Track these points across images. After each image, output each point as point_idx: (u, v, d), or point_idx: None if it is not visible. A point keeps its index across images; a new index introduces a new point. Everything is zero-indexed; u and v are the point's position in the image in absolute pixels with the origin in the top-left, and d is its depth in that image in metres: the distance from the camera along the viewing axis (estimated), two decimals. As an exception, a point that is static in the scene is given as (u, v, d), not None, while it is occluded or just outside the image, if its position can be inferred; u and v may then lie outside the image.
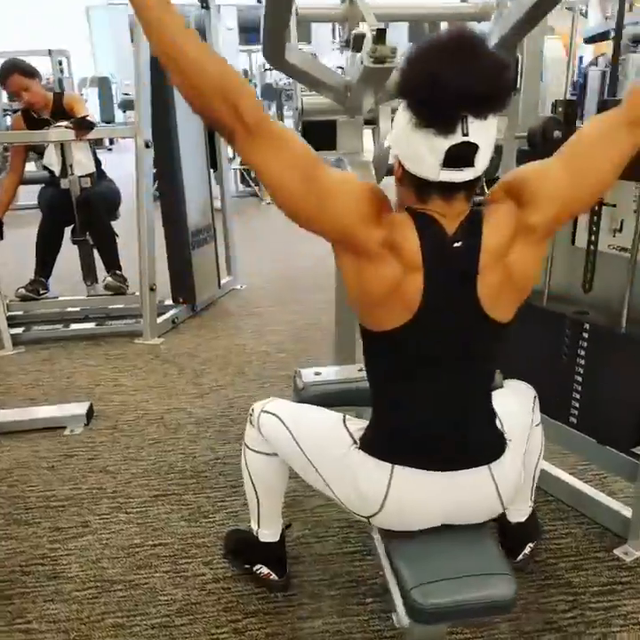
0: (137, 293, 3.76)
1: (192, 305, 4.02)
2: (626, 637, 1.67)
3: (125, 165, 4.95)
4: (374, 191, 1.22)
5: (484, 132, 1.13)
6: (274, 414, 1.63)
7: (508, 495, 1.39)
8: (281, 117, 12.29)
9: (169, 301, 3.99)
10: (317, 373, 1.75)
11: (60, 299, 4.01)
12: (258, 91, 7.92)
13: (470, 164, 1.15)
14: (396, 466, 1.34)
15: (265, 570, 1.84)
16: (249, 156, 1.16)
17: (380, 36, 1.63)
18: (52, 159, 3.72)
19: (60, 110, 3.65)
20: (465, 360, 1.31)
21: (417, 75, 1.11)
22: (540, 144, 1.88)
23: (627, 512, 2.00)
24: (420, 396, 1.33)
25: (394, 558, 1.35)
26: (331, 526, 2.11)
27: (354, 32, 2.03)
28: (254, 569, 1.85)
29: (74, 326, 3.79)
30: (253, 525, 1.82)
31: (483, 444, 1.38)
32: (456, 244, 1.21)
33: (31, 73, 3.61)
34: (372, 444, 1.40)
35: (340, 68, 2.43)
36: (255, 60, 10.15)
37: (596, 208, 2.00)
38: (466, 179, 1.17)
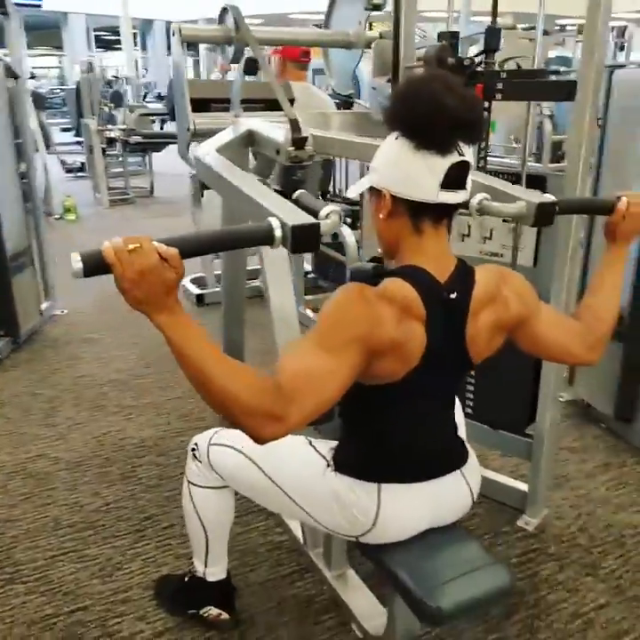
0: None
1: (15, 337, 3.63)
2: (554, 598, 1.88)
3: None
4: (354, 295, 1.20)
5: (470, 157, 1.22)
6: (229, 446, 1.56)
7: (476, 491, 1.49)
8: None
9: (-15, 335, 3.56)
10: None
11: None
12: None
13: (463, 186, 1.23)
14: (382, 484, 1.37)
15: (214, 611, 1.75)
16: (295, 427, 1.10)
17: (302, 143, 1.68)
18: None
19: None
20: (449, 394, 1.43)
21: (418, 102, 1.17)
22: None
23: (521, 486, 2.23)
24: (406, 423, 1.36)
25: (394, 569, 1.37)
26: (258, 551, 2.06)
27: (246, 57, 2.04)
28: (201, 612, 1.76)
29: None
30: (199, 567, 1.72)
31: (455, 452, 1.46)
32: (452, 295, 1.26)
33: None
34: (353, 466, 1.40)
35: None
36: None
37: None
38: (459, 200, 1.23)
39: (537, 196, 1.42)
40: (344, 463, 1.42)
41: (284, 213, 1.18)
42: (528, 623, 1.79)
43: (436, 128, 1.16)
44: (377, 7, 2.28)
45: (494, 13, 2.06)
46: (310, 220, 1.17)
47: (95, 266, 0.98)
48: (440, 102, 1.15)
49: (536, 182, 2.10)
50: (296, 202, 1.34)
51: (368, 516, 1.37)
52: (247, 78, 2.40)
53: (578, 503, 2.30)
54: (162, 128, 8.35)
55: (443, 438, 1.45)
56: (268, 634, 1.76)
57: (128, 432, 2.78)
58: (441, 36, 2.08)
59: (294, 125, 1.71)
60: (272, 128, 1.88)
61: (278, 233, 1.11)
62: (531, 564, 2.00)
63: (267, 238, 1.12)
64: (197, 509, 1.64)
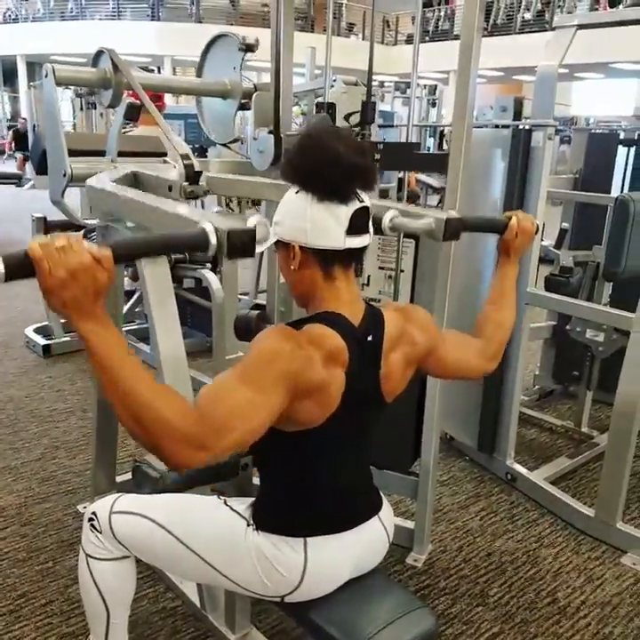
0: None
1: None
2: (452, 632, 1.94)
3: None
4: (281, 337, 1.19)
5: (368, 202, 1.28)
6: (134, 513, 1.46)
7: (391, 534, 1.51)
8: None
9: None
10: (166, 458, 1.59)
11: None
12: None
13: (366, 230, 1.28)
14: (308, 538, 1.34)
15: (115, 694, 1.60)
16: (213, 458, 1.07)
17: (197, 177, 1.66)
18: None
19: None
20: (366, 437, 1.42)
21: (315, 156, 1.23)
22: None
23: (407, 524, 2.30)
24: (328, 473, 1.36)
25: (323, 626, 1.34)
26: (152, 621, 1.92)
27: (128, 102, 1.98)
28: (99, 699, 1.60)
29: None
30: (97, 647, 1.57)
31: (373, 498, 1.48)
32: (369, 338, 1.30)
33: None
34: (276, 522, 1.36)
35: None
36: None
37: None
38: (365, 244, 1.29)
39: (443, 214, 1.49)
40: (265, 520, 1.38)
41: (215, 221, 1.12)
42: (433, 660, 1.83)
43: (335, 179, 1.22)
44: (250, 48, 2.31)
45: (369, 89, 2.19)
46: (244, 224, 1.14)
47: (19, 266, 0.88)
48: (335, 154, 1.20)
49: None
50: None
51: (295, 574, 1.34)
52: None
53: (457, 535, 2.41)
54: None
55: (362, 483, 1.46)
56: None
57: (-8, 505, 2.49)
58: (319, 106, 2.16)
59: (187, 160, 1.69)
60: (157, 168, 1.84)
61: (213, 238, 1.07)
62: (426, 601, 2.04)
63: (201, 244, 1.07)
64: (98, 584, 1.50)
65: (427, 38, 17.23)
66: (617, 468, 2.37)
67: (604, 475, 2.44)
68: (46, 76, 1.87)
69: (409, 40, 18.54)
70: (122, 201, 1.54)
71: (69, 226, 3.74)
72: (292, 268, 1.28)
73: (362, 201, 1.25)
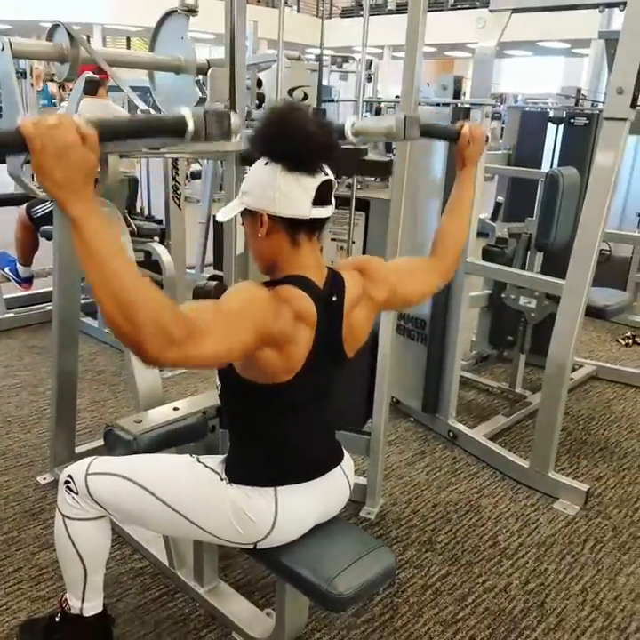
0: None
1: None
2: (405, 576, 2.10)
3: None
4: (258, 287, 1.31)
5: (332, 176, 1.39)
6: (110, 474, 1.53)
7: (352, 483, 1.64)
8: None
9: None
10: (138, 421, 1.66)
11: None
12: None
13: (330, 201, 1.39)
14: (278, 487, 1.46)
15: (93, 646, 1.69)
16: (180, 361, 1.11)
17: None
18: None
19: None
20: (330, 392, 1.54)
21: (288, 131, 1.32)
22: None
23: (361, 480, 2.44)
24: (295, 428, 1.48)
25: (293, 568, 1.47)
26: (121, 581, 2.01)
27: (87, 76, 2.00)
28: (78, 652, 1.68)
29: None
30: (75, 603, 1.65)
31: (335, 450, 1.61)
32: (334, 299, 1.41)
33: None
34: (247, 474, 1.48)
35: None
36: None
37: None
38: (329, 214, 1.39)
39: (401, 113, 1.58)
40: (238, 473, 1.49)
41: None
42: (388, 602, 1.99)
43: (306, 152, 1.32)
44: (191, 10, 2.31)
45: (320, 72, 2.26)
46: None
47: (11, 142, 0.94)
48: (306, 130, 1.31)
49: (362, 205, 2.36)
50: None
51: (266, 522, 1.45)
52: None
53: (406, 489, 2.58)
54: None
55: (326, 437, 1.59)
56: (149, 659, 1.74)
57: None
58: (290, 92, 2.23)
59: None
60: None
61: (190, 122, 1.16)
62: (380, 549, 2.20)
63: (179, 127, 1.17)
64: (75, 543, 1.58)
65: (361, 12, 17.20)
66: (549, 422, 2.58)
67: (537, 429, 2.64)
68: (3, 50, 1.87)
69: (343, 13, 18.52)
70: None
71: (12, 200, 3.70)
72: (260, 235, 1.37)
73: (327, 174, 1.35)
